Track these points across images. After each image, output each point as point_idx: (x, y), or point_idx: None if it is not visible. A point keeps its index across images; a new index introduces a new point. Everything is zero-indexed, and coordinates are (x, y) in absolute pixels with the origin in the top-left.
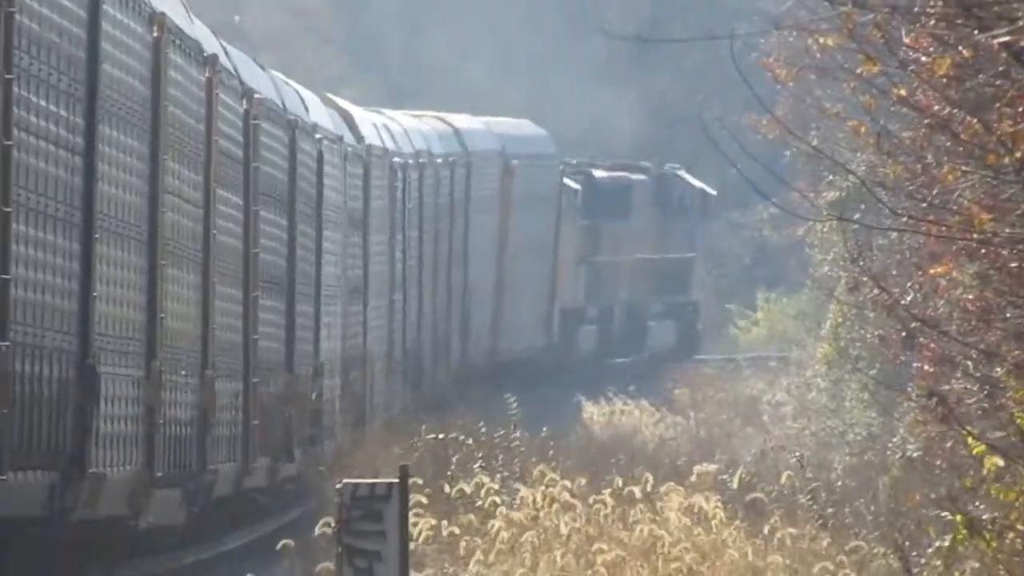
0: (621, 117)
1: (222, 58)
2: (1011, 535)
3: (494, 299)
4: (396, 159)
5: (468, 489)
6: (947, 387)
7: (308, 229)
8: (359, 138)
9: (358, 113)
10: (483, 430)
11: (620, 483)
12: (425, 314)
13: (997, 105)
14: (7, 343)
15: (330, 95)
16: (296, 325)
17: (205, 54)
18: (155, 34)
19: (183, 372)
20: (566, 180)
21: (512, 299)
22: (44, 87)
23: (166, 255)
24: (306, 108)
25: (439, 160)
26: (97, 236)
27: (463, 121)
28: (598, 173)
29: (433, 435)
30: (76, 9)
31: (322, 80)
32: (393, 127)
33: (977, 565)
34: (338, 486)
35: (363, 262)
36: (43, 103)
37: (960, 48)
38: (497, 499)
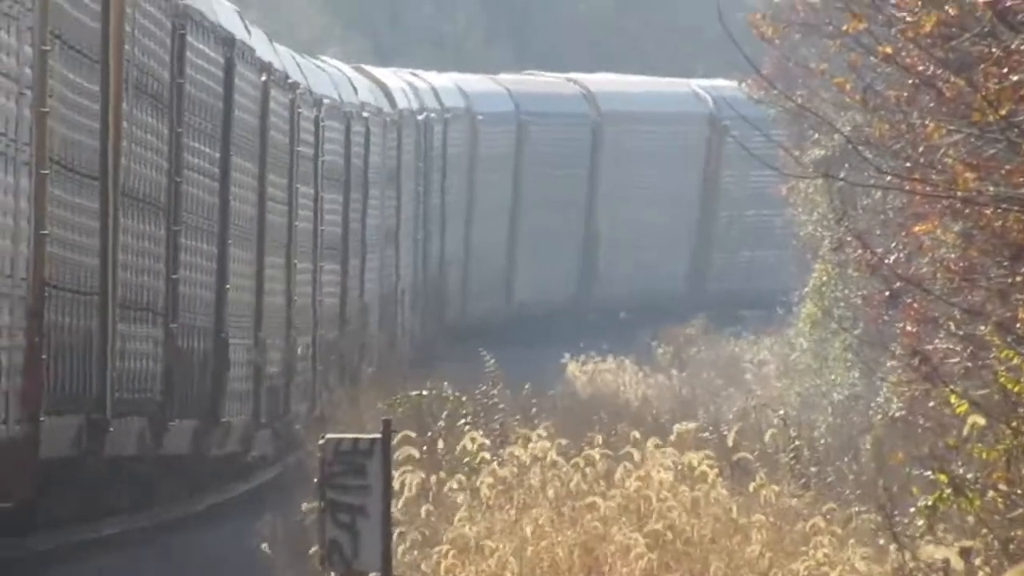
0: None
1: (302, 82)
2: (993, 493)
3: (583, 243)
4: (420, 117)
5: (466, 445)
6: (930, 346)
7: (358, 196)
8: (392, 104)
9: (391, 81)
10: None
11: (603, 439)
12: (447, 251)
13: (982, 65)
14: (176, 324)
15: (366, 67)
16: (348, 278)
17: (289, 81)
18: (263, 78)
19: (275, 336)
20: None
21: (615, 245)
22: (198, 134)
23: (267, 247)
24: (355, 90)
25: (454, 115)
26: (230, 241)
27: (517, 84)
28: None
29: (418, 391)
30: (217, 71)
31: (307, 38)
32: (420, 86)
33: (959, 523)
34: (320, 441)
35: (396, 212)
36: (197, 145)
37: (946, 6)
38: (487, 455)
